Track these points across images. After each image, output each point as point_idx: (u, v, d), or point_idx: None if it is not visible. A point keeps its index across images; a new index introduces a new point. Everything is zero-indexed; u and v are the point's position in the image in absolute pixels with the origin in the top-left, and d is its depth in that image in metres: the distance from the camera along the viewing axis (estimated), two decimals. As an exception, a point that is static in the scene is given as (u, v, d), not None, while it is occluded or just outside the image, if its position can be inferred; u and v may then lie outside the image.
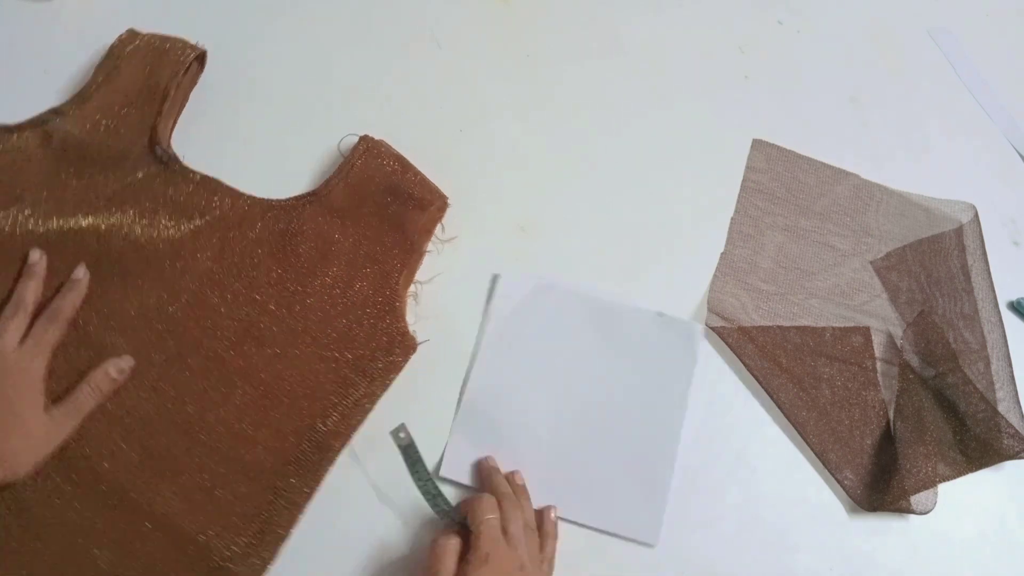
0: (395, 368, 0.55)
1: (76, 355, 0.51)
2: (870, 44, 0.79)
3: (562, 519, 0.54)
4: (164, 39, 0.61)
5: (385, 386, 0.55)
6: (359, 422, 0.53)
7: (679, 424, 0.57)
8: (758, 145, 0.71)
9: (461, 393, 0.56)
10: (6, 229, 0.54)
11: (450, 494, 0.53)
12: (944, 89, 0.78)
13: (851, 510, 0.57)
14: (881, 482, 0.57)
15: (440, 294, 0.59)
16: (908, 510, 0.56)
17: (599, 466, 0.56)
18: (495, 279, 0.60)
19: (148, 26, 0.62)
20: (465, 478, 0.54)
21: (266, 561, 0.49)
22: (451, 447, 0.55)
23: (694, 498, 0.56)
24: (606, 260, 0.63)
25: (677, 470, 0.56)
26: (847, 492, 0.57)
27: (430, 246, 0.60)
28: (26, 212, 0.54)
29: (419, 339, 0.57)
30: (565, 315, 0.60)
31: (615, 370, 0.58)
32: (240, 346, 0.53)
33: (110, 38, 0.61)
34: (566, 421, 0.57)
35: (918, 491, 0.56)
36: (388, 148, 0.61)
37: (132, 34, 0.61)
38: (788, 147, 0.71)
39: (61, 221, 0.55)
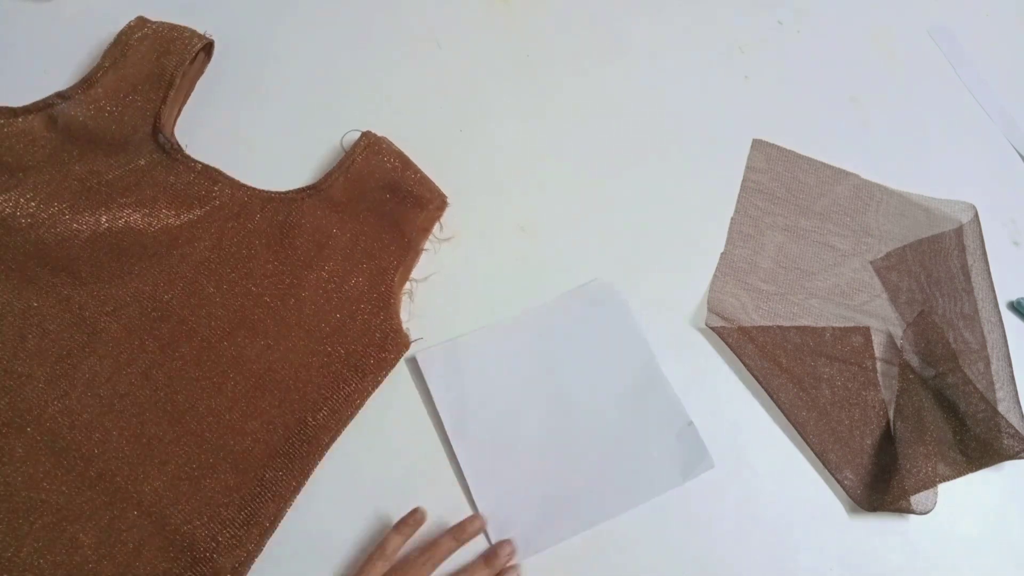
0: (387, 365, 0.55)
1: (69, 337, 0.51)
2: (870, 44, 0.79)
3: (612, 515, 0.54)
4: (172, 27, 0.62)
5: (376, 383, 0.54)
6: (349, 417, 0.53)
7: (656, 368, 0.58)
8: (758, 145, 0.70)
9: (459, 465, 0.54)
10: (7, 212, 0.53)
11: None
12: (944, 89, 0.78)
13: (851, 510, 0.57)
14: (881, 482, 0.57)
15: (436, 293, 0.59)
16: (908, 510, 0.56)
17: (621, 448, 0.55)
18: (413, 362, 0.57)
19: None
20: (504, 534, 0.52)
21: (251, 554, 0.48)
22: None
23: (694, 498, 0.55)
24: (605, 260, 0.63)
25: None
26: (847, 492, 0.57)
27: (427, 244, 0.60)
28: (28, 195, 0.54)
29: (412, 337, 0.56)
30: (504, 348, 0.58)
31: (575, 359, 0.58)
32: (233, 336, 0.53)
33: (109, 38, 0.61)
34: (566, 433, 0.56)
35: (918, 491, 0.55)
36: (390, 145, 0.61)
37: (141, 21, 0.62)
38: (788, 147, 0.71)
39: (62, 205, 0.55)
